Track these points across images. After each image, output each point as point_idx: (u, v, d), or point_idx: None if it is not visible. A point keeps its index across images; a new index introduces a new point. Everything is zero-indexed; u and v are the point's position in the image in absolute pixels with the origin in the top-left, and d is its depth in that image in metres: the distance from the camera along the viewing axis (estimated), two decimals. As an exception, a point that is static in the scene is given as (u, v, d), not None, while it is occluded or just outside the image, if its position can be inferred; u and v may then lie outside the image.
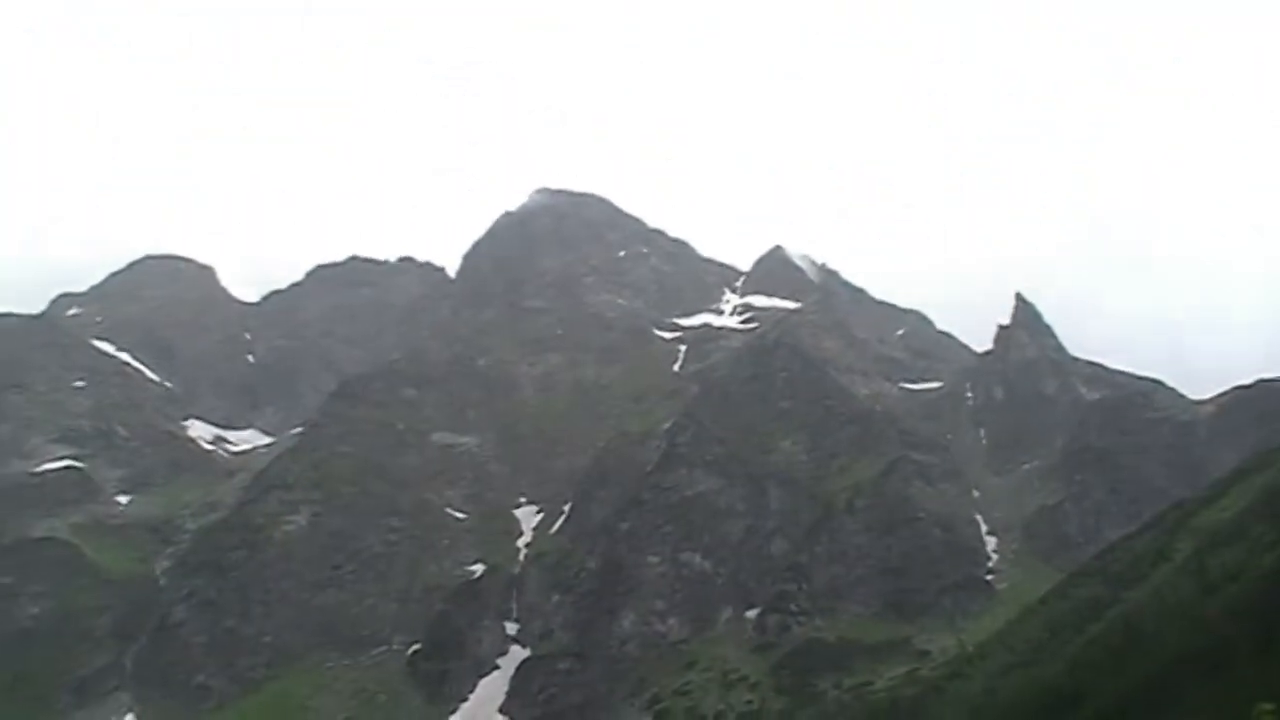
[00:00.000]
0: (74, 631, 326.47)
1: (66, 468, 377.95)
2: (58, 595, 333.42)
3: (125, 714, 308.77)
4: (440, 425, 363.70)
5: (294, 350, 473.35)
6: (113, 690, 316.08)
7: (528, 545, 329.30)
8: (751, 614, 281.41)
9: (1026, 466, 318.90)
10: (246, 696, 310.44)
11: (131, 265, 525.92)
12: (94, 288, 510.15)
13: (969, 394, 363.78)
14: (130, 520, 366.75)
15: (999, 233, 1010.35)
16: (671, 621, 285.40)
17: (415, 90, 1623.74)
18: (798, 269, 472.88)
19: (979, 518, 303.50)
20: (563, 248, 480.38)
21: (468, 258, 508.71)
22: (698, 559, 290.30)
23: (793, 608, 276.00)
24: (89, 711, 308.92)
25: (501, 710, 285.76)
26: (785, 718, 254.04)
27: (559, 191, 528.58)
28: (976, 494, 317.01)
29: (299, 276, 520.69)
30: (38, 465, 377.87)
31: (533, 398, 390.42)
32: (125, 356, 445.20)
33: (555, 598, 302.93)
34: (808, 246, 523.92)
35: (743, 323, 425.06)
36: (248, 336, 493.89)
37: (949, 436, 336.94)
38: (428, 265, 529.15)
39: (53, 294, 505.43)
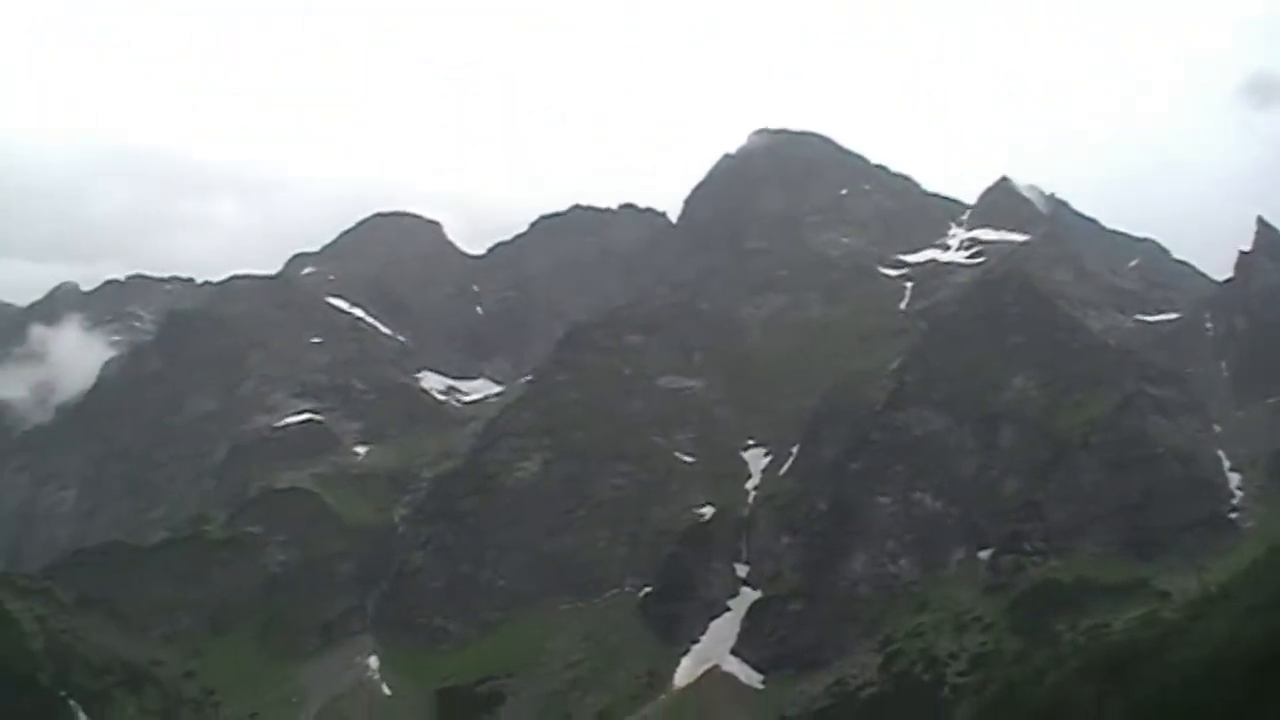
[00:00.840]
0: (318, 578, 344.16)
1: (307, 421, 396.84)
2: (302, 543, 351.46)
3: (368, 656, 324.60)
4: (666, 370, 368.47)
5: (521, 300, 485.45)
6: (356, 633, 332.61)
7: (756, 487, 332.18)
8: (984, 554, 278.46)
9: (1272, 400, 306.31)
10: (482, 639, 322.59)
11: (361, 224, 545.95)
12: (326, 247, 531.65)
13: (1208, 324, 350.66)
14: (368, 470, 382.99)
15: (1235, 154, 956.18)
16: (903, 562, 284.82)
17: (630, 35, 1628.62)
18: (1025, 200, 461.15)
19: (1221, 453, 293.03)
20: (784, 188, 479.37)
21: (689, 202, 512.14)
22: (929, 499, 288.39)
23: (1027, 547, 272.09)
24: (334, 653, 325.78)
25: (733, 652, 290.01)
26: (1020, 660, 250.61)
27: (779, 132, 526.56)
28: (1218, 429, 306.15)
29: (523, 228, 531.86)
30: (280, 420, 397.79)
31: (758, 340, 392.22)
32: (359, 312, 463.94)
33: (785, 539, 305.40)
34: (1035, 176, 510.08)
35: (969, 258, 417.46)
36: (475, 289, 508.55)
37: (1188, 369, 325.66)
38: (649, 211, 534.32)
39: (288, 255, 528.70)
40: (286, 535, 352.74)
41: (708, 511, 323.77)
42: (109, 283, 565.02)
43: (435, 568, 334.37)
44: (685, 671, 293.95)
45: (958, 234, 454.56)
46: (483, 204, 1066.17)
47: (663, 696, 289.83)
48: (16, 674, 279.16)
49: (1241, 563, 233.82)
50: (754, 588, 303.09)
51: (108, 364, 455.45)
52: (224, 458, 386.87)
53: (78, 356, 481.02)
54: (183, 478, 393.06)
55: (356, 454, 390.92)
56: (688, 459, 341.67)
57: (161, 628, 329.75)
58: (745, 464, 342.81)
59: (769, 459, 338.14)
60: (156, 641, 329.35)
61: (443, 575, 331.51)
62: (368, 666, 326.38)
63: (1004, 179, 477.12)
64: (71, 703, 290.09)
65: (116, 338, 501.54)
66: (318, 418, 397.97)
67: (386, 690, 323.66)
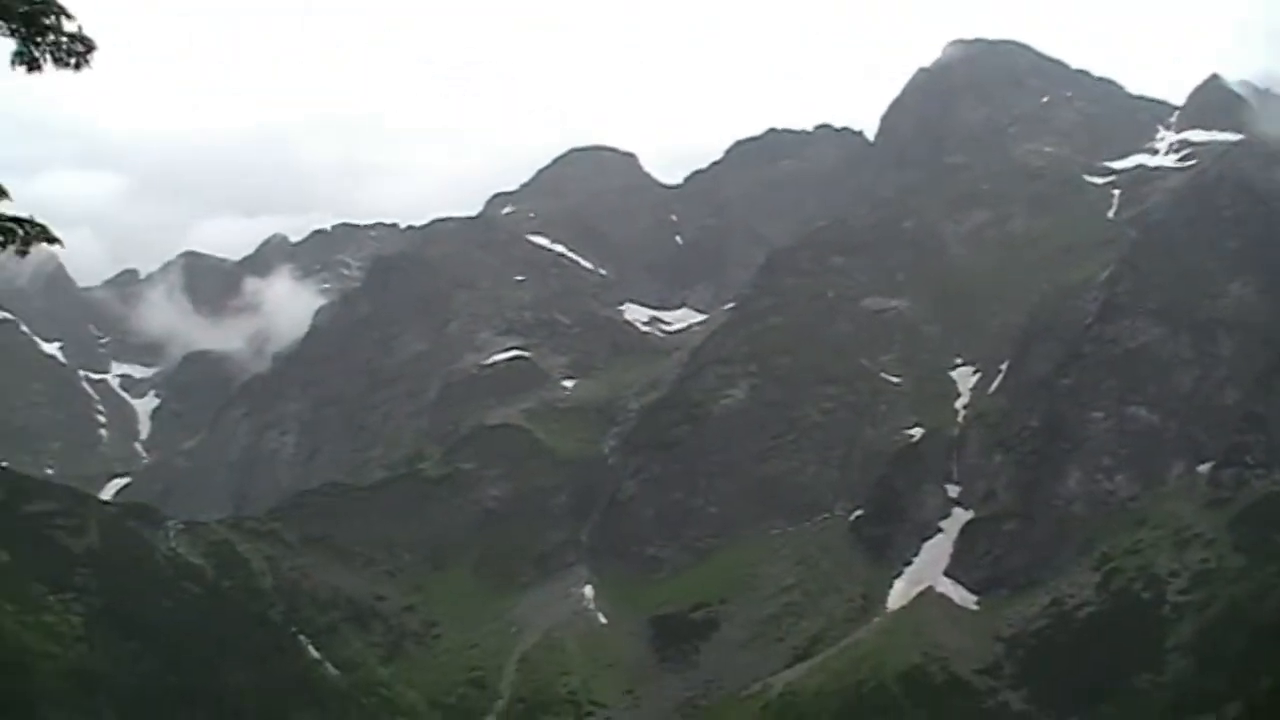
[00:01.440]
0: (532, 511, 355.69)
1: (514, 358, 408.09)
2: (515, 478, 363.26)
3: (583, 585, 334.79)
4: (870, 290, 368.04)
5: (720, 228, 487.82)
6: (571, 564, 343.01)
7: (966, 406, 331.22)
8: (1204, 468, 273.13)
9: None
10: (695, 565, 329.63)
11: (557, 160, 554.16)
12: (525, 186, 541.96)
13: None
14: (576, 403, 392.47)
15: None
16: (1119, 478, 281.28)
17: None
18: (1238, 97, 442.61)
19: None
20: (983, 100, 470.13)
21: (886, 119, 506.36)
22: (1144, 412, 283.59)
23: (1249, 460, 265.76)
24: (549, 584, 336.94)
25: (946, 573, 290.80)
26: (1243, 577, 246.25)
27: (975, 42, 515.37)
28: None
29: (718, 155, 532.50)
30: (488, 357, 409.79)
31: (962, 256, 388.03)
32: (559, 248, 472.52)
33: (997, 458, 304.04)
34: (1248, 71, 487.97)
35: (1180, 160, 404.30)
36: (674, 218, 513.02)
37: None
38: (846, 131, 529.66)
39: (487, 195, 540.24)
40: (499, 470, 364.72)
41: (917, 432, 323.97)
42: (316, 233, 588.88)
43: (646, 497, 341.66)
44: (898, 594, 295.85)
45: (1166, 137, 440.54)
46: (677, 134, 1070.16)
47: (876, 619, 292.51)
48: (249, 612, 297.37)
49: None
50: (966, 508, 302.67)
51: (319, 312, 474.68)
52: (435, 397, 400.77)
53: (290, 306, 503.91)
54: (397, 418, 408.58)
55: (564, 388, 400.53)
56: (895, 380, 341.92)
57: (383, 564, 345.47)
58: (953, 383, 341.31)
59: (978, 377, 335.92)
60: (379, 577, 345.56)
61: (654, 504, 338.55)
62: (583, 596, 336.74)
63: (1214, 76, 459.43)
64: (301, 638, 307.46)
65: (326, 286, 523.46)
66: (524, 354, 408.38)
67: (602, 619, 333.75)
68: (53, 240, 15.65)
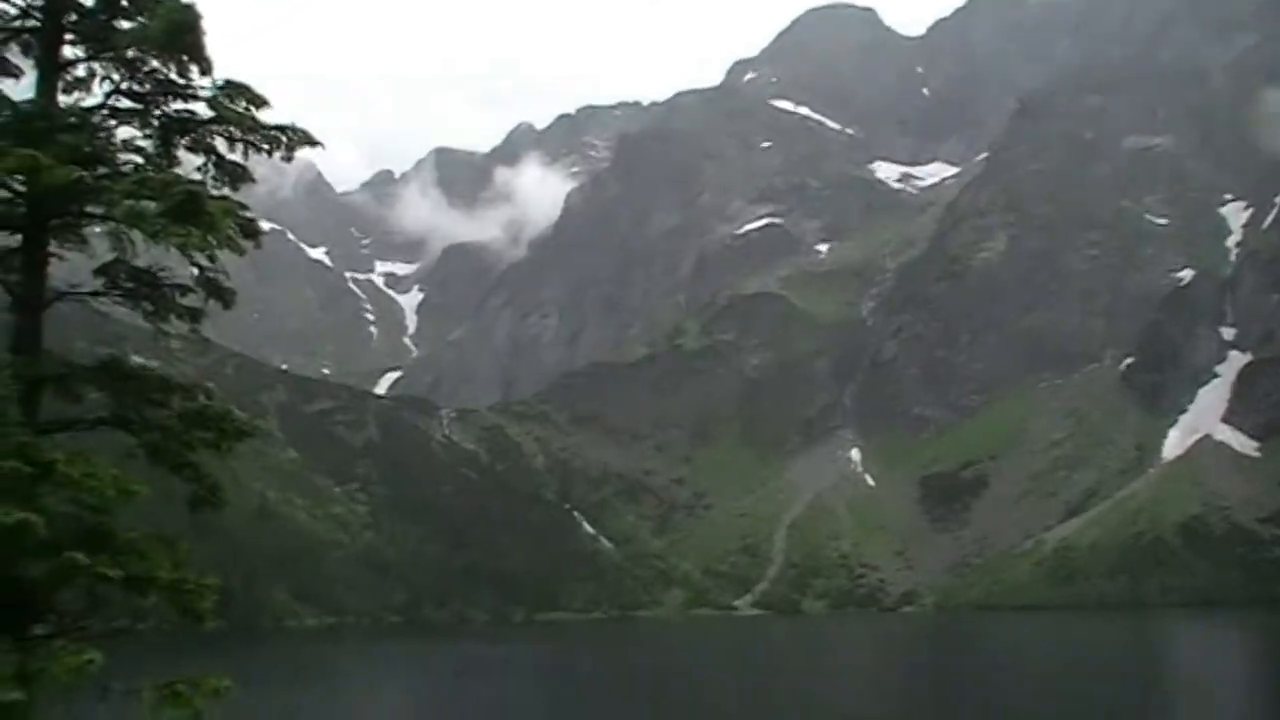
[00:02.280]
0: (794, 377, 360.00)
1: (767, 225, 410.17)
2: (775, 345, 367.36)
3: (850, 449, 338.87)
4: (1130, 129, 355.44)
5: (967, 76, 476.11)
6: (836, 428, 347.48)
7: (1238, 244, 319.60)
8: None
9: None
10: (961, 423, 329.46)
11: (795, 21, 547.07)
12: (764, 50, 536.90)
13: None
14: (832, 267, 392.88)
15: None
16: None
17: None
18: None
19: None
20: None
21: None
22: None
23: None
24: (816, 449, 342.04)
25: (1223, 419, 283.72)
26: None
27: None
28: None
29: (960, 1, 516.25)
30: (740, 227, 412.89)
31: (1225, 86, 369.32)
32: (804, 110, 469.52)
33: (1275, 297, 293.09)
34: None
35: None
36: (920, 70, 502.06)
37: None
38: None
39: (727, 64, 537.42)
40: (759, 339, 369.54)
41: (1187, 274, 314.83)
42: (561, 118, 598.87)
43: (909, 356, 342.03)
44: (1174, 443, 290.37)
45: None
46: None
47: (1151, 470, 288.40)
48: (523, 492, 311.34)
49: None
50: (1243, 351, 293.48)
51: (570, 195, 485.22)
52: (690, 271, 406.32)
53: (541, 192, 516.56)
54: (654, 294, 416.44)
55: (818, 252, 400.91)
56: (1160, 221, 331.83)
57: (650, 439, 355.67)
58: (1223, 220, 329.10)
59: (1249, 212, 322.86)
60: (646, 452, 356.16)
61: (917, 363, 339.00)
62: (849, 460, 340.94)
63: None
64: (575, 514, 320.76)
65: (575, 169, 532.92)
66: (776, 220, 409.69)
67: (870, 481, 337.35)
68: (314, 143, 17.31)
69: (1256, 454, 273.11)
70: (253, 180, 17.60)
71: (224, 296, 14.83)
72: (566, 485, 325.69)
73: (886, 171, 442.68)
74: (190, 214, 14.80)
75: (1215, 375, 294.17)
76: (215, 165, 17.27)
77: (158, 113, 17.18)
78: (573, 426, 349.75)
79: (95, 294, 15.18)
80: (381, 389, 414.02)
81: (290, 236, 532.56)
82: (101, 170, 16.05)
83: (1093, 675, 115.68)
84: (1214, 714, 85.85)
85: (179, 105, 17.26)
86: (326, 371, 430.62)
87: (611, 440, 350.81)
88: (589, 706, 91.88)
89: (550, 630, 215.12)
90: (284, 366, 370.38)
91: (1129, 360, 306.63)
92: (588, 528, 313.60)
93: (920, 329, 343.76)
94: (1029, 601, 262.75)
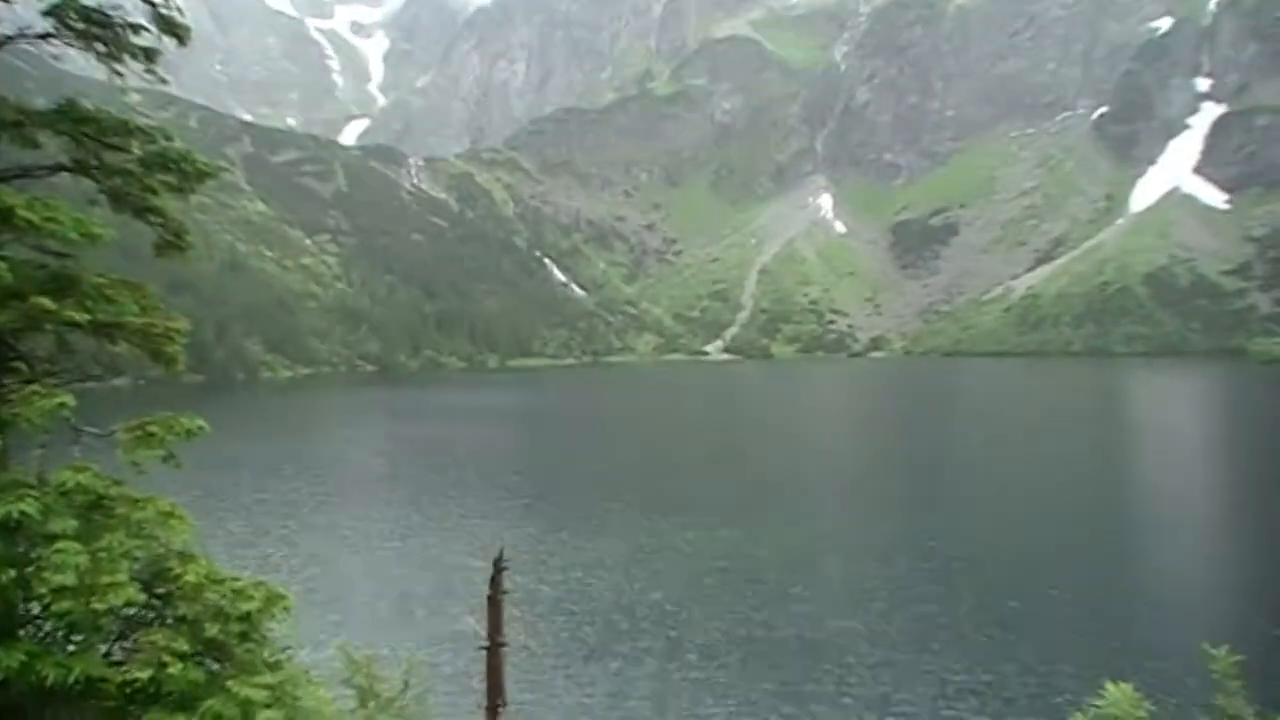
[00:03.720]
0: (766, 123, 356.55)
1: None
2: (746, 90, 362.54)
3: (820, 194, 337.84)
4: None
5: None
6: (808, 174, 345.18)
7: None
8: None
9: None
10: (933, 170, 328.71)
11: None
12: None
13: None
14: (805, 10, 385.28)
15: None
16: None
17: None
18: None
19: None
20: None
21: None
22: None
23: None
24: (788, 194, 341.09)
25: (1194, 171, 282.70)
26: None
27: None
28: None
29: None
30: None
31: None
32: None
33: (1252, 47, 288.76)
34: None
35: None
36: None
37: None
38: None
39: None
40: (730, 84, 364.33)
41: (1164, 23, 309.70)
42: None
43: (881, 102, 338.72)
44: (1143, 194, 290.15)
45: None
46: None
47: (1120, 220, 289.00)
48: (495, 239, 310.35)
49: None
50: (1218, 102, 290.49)
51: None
52: (661, 12, 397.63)
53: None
54: (624, 38, 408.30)
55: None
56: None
57: (620, 185, 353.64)
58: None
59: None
60: (617, 198, 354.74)
61: (889, 109, 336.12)
62: (820, 206, 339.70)
63: None
64: (546, 261, 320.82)
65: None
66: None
67: (840, 228, 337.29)
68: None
69: (1225, 207, 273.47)
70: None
71: (178, 33, 13.64)
72: (537, 232, 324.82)
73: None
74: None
75: (1188, 126, 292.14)
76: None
77: None
78: (542, 173, 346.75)
79: (45, 36, 13.94)
80: (348, 139, 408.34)
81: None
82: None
83: (1057, 420, 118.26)
84: (1171, 457, 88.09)
85: None
86: (291, 122, 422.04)
87: (582, 187, 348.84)
88: (566, 447, 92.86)
89: (524, 376, 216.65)
90: (248, 118, 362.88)
91: (1102, 110, 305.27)
92: (559, 275, 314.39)
93: (894, 74, 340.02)
94: (996, 348, 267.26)
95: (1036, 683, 30.12)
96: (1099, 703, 6.29)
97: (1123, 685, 6.27)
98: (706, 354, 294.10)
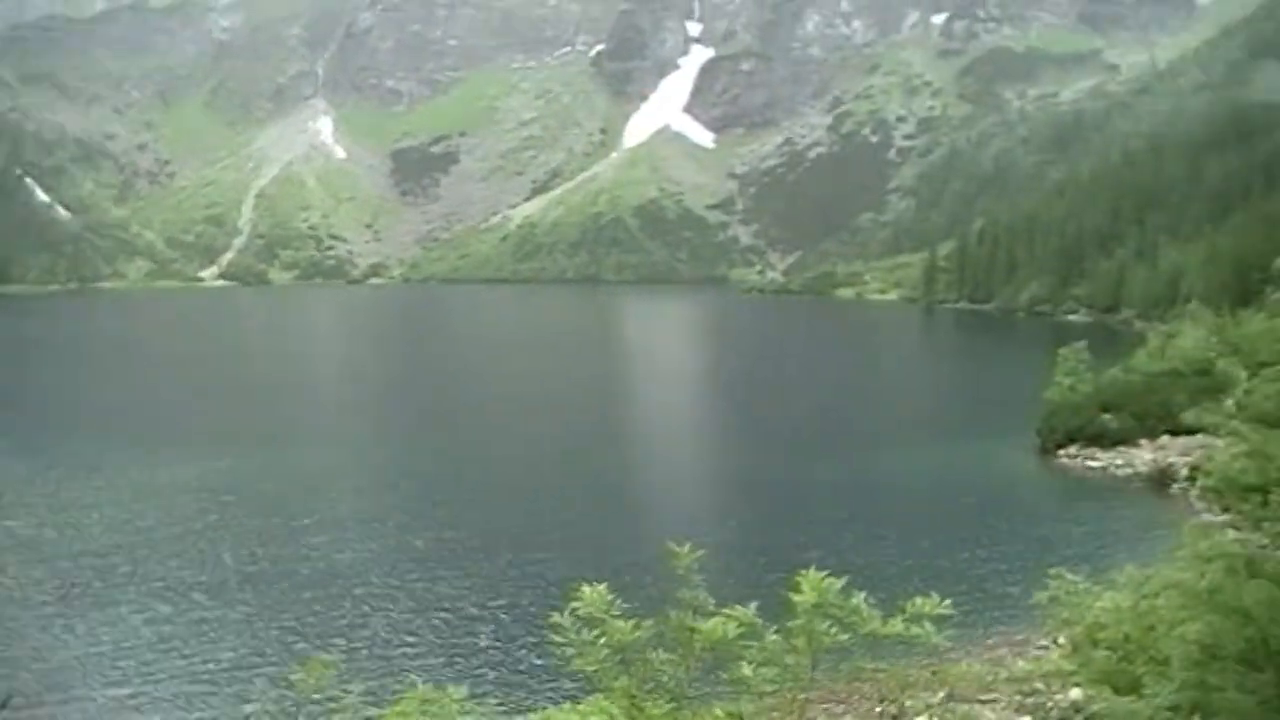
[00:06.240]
0: (266, 42, 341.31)
1: None
2: (247, 7, 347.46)
3: (320, 118, 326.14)
4: None
5: None
6: (308, 97, 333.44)
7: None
8: (939, 19, 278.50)
9: None
10: (435, 98, 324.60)
11: None
12: None
13: None
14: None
15: None
16: (856, 24, 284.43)
17: None
18: None
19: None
20: None
21: None
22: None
23: (981, 14, 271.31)
24: (286, 118, 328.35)
25: (685, 110, 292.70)
26: (967, 125, 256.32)
27: None
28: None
29: None
30: None
31: None
32: None
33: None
34: None
35: None
36: None
37: None
38: None
39: None
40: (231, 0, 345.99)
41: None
42: None
43: (384, 28, 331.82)
44: (636, 129, 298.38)
45: None
46: None
47: (614, 154, 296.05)
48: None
49: (1193, 41, 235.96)
50: (707, 45, 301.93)
51: None
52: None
53: None
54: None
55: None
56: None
57: (110, 101, 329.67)
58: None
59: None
60: (106, 115, 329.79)
61: (392, 35, 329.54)
62: (320, 130, 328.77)
63: None
64: (28, 180, 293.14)
65: None
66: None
67: (341, 153, 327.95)
68: None
69: (711, 145, 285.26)
70: None
71: None
72: (17, 149, 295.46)
73: None
74: None
75: (678, 68, 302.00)
76: None
77: None
78: (23, 85, 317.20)
79: None
80: None
81: None
82: None
83: (549, 340, 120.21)
84: (650, 375, 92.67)
85: None
86: None
87: (68, 100, 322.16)
88: (50, 381, 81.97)
89: (2, 303, 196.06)
90: None
91: (600, 47, 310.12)
92: (41, 195, 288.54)
93: (397, 1, 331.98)
94: (494, 275, 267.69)
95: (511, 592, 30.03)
96: (575, 604, 7.06)
97: (597, 586, 7.14)
98: (201, 280, 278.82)
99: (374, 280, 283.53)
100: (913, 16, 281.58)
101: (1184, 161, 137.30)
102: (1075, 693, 18.89)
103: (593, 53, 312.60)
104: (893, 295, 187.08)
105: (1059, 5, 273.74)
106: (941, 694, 21.26)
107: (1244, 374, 50.87)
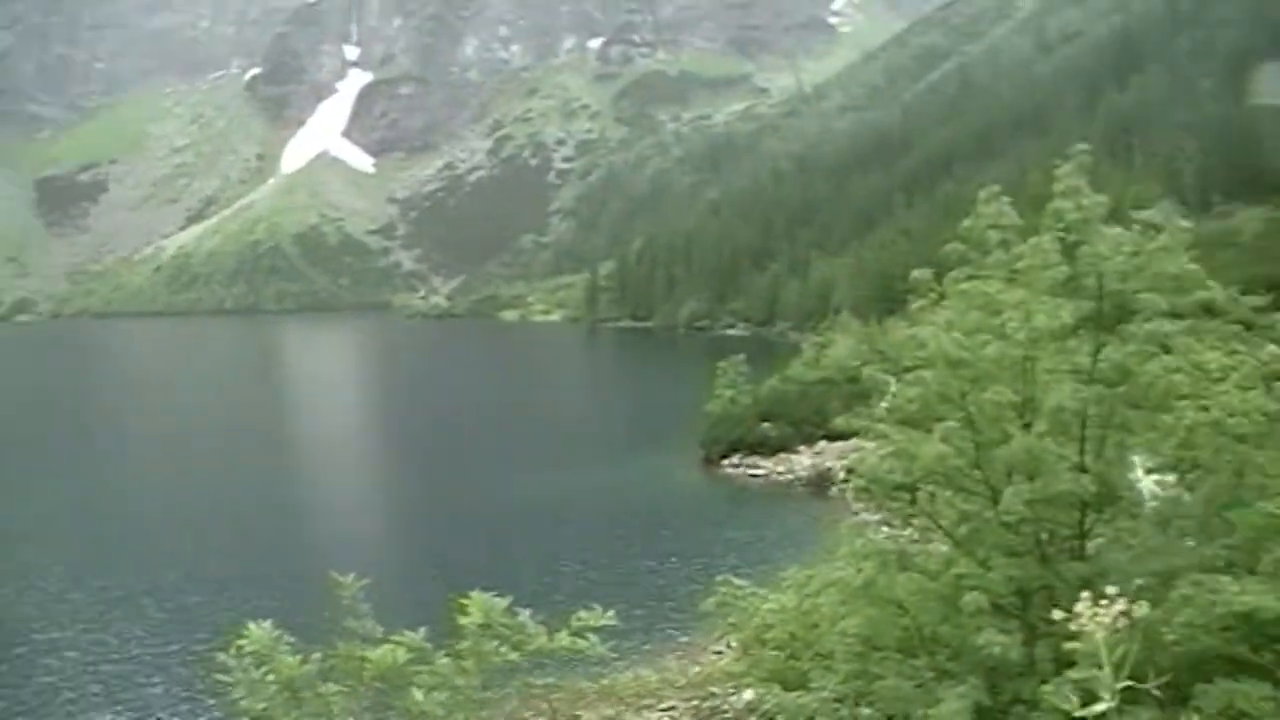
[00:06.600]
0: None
1: None
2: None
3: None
4: None
5: None
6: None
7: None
8: (595, 43, 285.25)
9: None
10: (82, 124, 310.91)
11: None
12: None
13: None
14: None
15: None
16: (515, 48, 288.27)
17: None
18: None
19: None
20: None
21: None
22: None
23: (636, 39, 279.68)
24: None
25: (344, 134, 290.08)
26: (624, 147, 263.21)
27: None
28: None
29: None
30: None
31: None
32: None
33: (397, 21, 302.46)
34: None
35: None
36: None
37: None
38: None
39: None
40: None
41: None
42: None
43: (25, 49, 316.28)
44: (294, 154, 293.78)
45: None
46: None
47: (272, 180, 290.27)
48: None
49: (836, 65, 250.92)
50: (365, 69, 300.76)
51: None
52: None
53: None
54: None
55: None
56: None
57: None
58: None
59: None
60: None
61: (34, 58, 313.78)
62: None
63: None
64: None
65: None
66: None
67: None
68: None
69: (371, 170, 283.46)
70: None
71: None
72: None
73: None
74: None
75: (336, 92, 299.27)
76: None
77: None
78: None
79: None
80: None
81: None
82: None
83: (204, 375, 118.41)
84: (312, 404, 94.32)
85: None
86: None
87: None
88: None
89: None
90: None
91: (255, 70, 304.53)
92: None
93: (39, 21, 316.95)
94: (149, 308, 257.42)
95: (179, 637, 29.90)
96: (243, 642, 6.99)
97: (263, 624, 7.10)
98: None
99: (21, 317, 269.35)
100: (570, 41, 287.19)
101: (831, 180, 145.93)
102: (748, 694, 20.73)
103: (248, 76, 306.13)
104: (556, 316, 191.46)
105: (710, 30, 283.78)
106: (616, 706, 22.13)
107: (892, 380, 53.61)
